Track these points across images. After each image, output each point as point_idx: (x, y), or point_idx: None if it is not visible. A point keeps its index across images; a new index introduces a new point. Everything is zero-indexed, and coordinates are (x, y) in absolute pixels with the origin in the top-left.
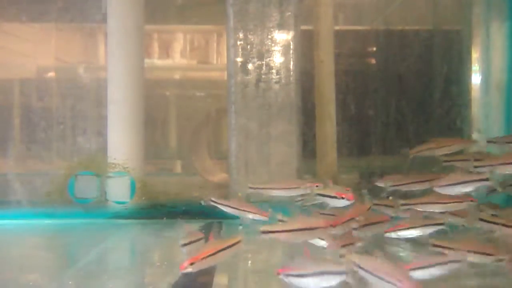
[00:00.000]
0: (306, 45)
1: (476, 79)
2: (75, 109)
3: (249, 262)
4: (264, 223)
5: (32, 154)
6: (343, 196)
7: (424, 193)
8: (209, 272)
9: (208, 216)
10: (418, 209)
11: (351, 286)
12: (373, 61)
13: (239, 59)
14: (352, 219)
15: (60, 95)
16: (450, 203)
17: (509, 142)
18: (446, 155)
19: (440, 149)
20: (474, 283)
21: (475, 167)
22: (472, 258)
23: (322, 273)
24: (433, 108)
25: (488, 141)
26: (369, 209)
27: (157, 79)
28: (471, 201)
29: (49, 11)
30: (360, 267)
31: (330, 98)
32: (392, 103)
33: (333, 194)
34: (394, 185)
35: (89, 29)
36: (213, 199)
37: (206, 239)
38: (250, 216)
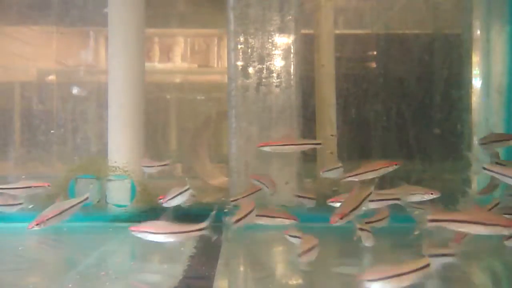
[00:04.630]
0: (306, 49)
1: (476, 83)
2: (75, 112)
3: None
4: None
5: (33, 157)
6: None
7: None
8: (208, 277)
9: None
10: None
11: None
12: (374, 65)
13: (239, 63)
14: None
15: (61, 98)
16: None
17: (496, 141)
18: None
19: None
20: None
21: None
22: None
23: None
24: (433, 112)
25: (481, 144)
26: None
27: (158, 82)
28: None
29: (50, 14)
30: None
31: (331, 102)
32: (393, 107)
33: None
34: None
35: (90, 32)
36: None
37: None
38: None
